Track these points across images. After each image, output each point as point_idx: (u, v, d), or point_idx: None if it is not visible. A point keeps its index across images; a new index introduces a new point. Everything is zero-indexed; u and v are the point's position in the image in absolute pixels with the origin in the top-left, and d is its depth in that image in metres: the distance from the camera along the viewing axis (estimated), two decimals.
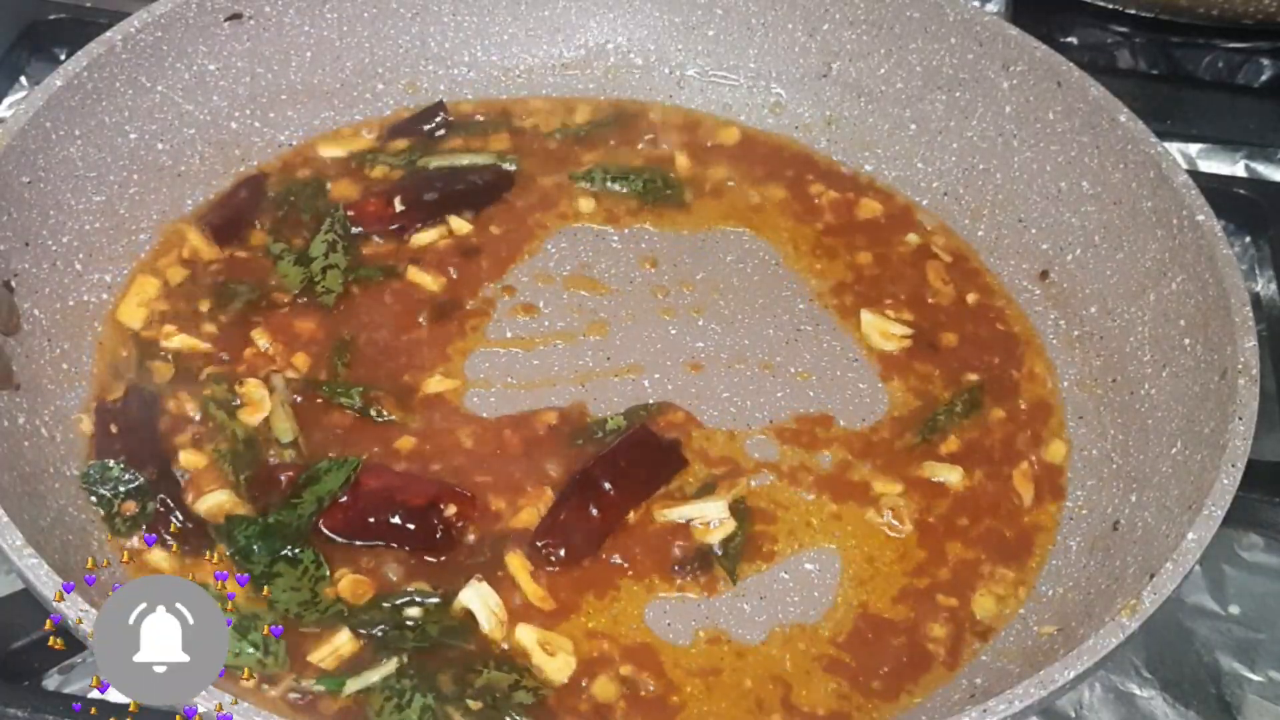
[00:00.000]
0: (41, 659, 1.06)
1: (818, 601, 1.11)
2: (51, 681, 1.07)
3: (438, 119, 1.45)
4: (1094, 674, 1.00)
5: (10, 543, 0.95)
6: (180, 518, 1.11)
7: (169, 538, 1.10)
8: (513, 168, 1.42)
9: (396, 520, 1.10)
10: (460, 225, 1.36)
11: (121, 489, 1.12)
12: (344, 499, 1.11)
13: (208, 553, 1.10)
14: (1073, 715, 1.12)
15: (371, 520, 1.10)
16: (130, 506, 1.11)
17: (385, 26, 1.46)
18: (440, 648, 1.05)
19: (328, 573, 1.08)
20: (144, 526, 1.10)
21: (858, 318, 1.32)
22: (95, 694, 1.07)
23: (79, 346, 1.22)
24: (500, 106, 1.49)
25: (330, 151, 1.42)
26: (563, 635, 1.07)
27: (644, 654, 1.07)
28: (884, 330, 1.30)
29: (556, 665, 1.05)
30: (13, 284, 1.18)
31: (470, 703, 1.01)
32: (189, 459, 1.15)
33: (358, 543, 1.10)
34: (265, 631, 1.02)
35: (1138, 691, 1.13)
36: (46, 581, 0.94)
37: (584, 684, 1.04)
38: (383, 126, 1.45)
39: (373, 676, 1.02)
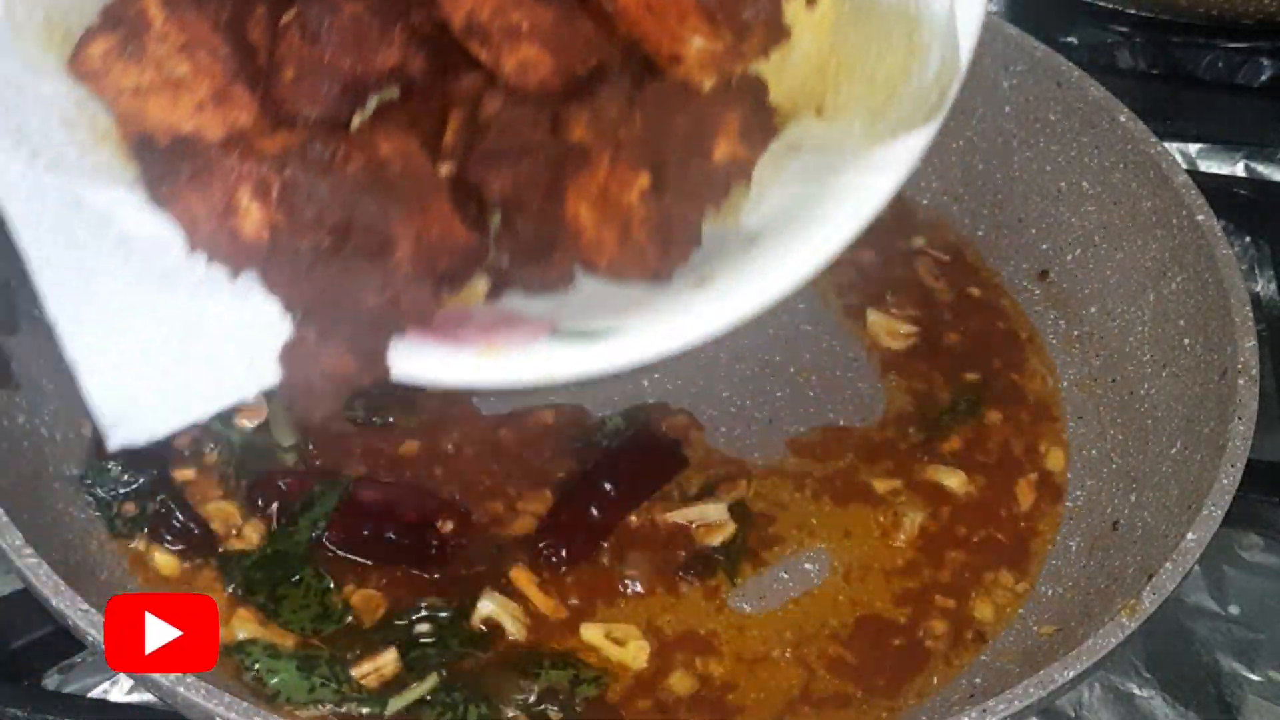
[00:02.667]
0: (41, 659, 1.07)
1: (818, 602, 1.12)
2: (51, 681, 1.07)
3: None
4: (1093, 674, 1.00)
5: (10, 543, 0.95)
6: (182, 518, 1.11)
7: (170, 538, 1.10)
8: None
9: (391, 535, 1.10)
10: None
11: (121, 490, 1.12)
12: (340, 512, 1.11)
13: (209, 555, 1.10)
14: (1072, 715, 1.12)
15: (366, 534, 1.10)
16: (130, 507, 1.11)
17: None
18: (475, 657, 1.05)
19: (330, 583, 1.08)
20: (145, 528, 1.10)
21: (861, 317, 1.32)
22: (96, 693, 1.07)
23: None
24: None
25: None
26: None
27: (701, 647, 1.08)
28: (891, 329, 1.30)
29: (632, 652, 1.06)
30: (13, 284, 1.18)
31: (551, 711, 1.02)
32: (185, 470, 1.15)
33: (353, 557, 1.10)
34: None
35: (1137, 691, 1.13)
36: (46, 581, 0.93)
37: (657, 680, 1.05)
38: None
39: (412, 695, 1.02)
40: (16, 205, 0.82)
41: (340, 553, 1.10)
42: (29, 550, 0.95)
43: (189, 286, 0.82)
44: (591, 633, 1.07)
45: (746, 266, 0.89)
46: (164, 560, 1.09)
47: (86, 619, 0.91)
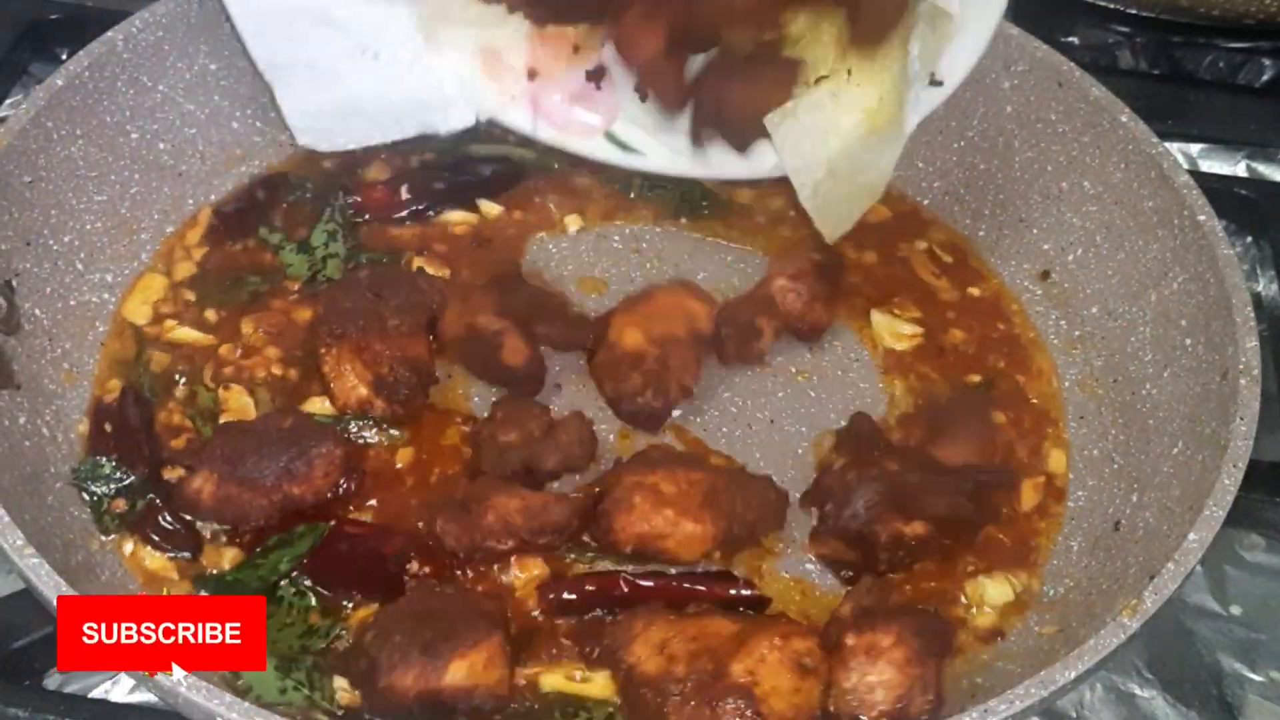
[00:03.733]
0: (42, 659, 1.06)
1: (819, 603, 1.11)
2: (52, 681, 1.07)
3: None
4: (1095, 674, 1.00)
5: (10, 543, 0.96)
6: (170, 519, 1.11)
7: (156, 538, 1.10)
8: (529, 155, 1.40)
9: (366, 571, 1.08)
10: (490, 209, 1.37)
11: (112, 487, 1.12)
12: (320, 544, 1.09)
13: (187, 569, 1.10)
14: (1074, 715, 1.12)
15: (341, 569, 1.08)
16: (120, 504, 1.11)
17: None
18: None
19: (312, 600, 1.06)
20: (131, 525, 1.10)
21: (865, 318, 1.32)
22: (97, 693, 1.07)
23: (80, 346, 1.22)
24: None
25: None
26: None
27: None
28: (894, 330, 1.30)
29: (599, 685, 1.05)
30: (14, 283, 1.18)
31: None
32: (176, 470, 1.14)
33: (324, 590, 1.08)
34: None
35: (1139, 692, 1.13)
36: (47, 581, 0.94)
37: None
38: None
39: None
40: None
41: (309, 583, 1.08)
42: (30, 550, 0.95)
43: (375, 60, 1.29)
44: (550, 679, 1.05)
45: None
46: (153, 560, 1.10)
47: None
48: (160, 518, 1.11)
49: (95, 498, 1.12)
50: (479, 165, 1.40)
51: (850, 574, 1.12)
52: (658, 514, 1.08)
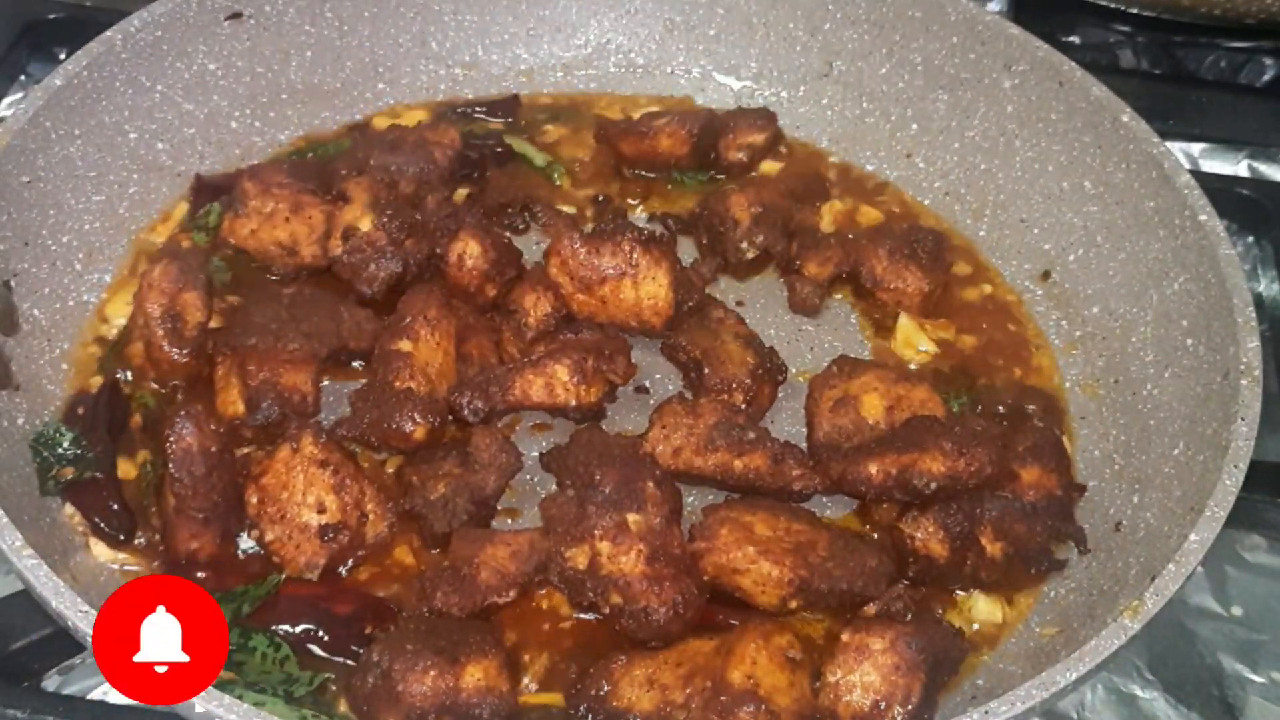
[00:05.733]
0: (41, 659, 1.07)
1: None
2: (51, 682, 1.07)
3: (507, 109, 1.48)
4: (1096, 675, 1.00)
5: (10, 543, 0.95)
6: (116, 506, 1.10)
7: (94, 515, 1.09)
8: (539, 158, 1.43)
9: (317, 628, 1.05)
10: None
11: (63, 451, 1.11)
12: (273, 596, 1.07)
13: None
14: (1075, 717, 1.11)
15: (290, 623, 1.06)
16: (68, 471, 1.11)
17: (386, 26, 1.46)
18: None
19: (288, 652, 1.04)
20: (71, 493, 1.10)
21: (860, 308, 1.32)
22: (95, 694, 1.07)
23: (78, 347, 1.22)
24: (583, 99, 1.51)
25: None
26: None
27: None
28: (912, 341, 1.30)
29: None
30: (12, 284, 1.18)
31: None
32: (128, 466, 1.14)
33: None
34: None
35: (1140, 693, 1.13)
36: (45, 582, 0.93)
37: None
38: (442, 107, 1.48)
39: None
40: None
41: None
42: (29, 551, 0.95)
43: None
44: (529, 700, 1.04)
45: None
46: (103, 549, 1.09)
47: (86, 620, 0.90)
48: (102, 493, 1.10)
49: (45, 460, 1.11)
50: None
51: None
52: (739, 549, 1.05)
